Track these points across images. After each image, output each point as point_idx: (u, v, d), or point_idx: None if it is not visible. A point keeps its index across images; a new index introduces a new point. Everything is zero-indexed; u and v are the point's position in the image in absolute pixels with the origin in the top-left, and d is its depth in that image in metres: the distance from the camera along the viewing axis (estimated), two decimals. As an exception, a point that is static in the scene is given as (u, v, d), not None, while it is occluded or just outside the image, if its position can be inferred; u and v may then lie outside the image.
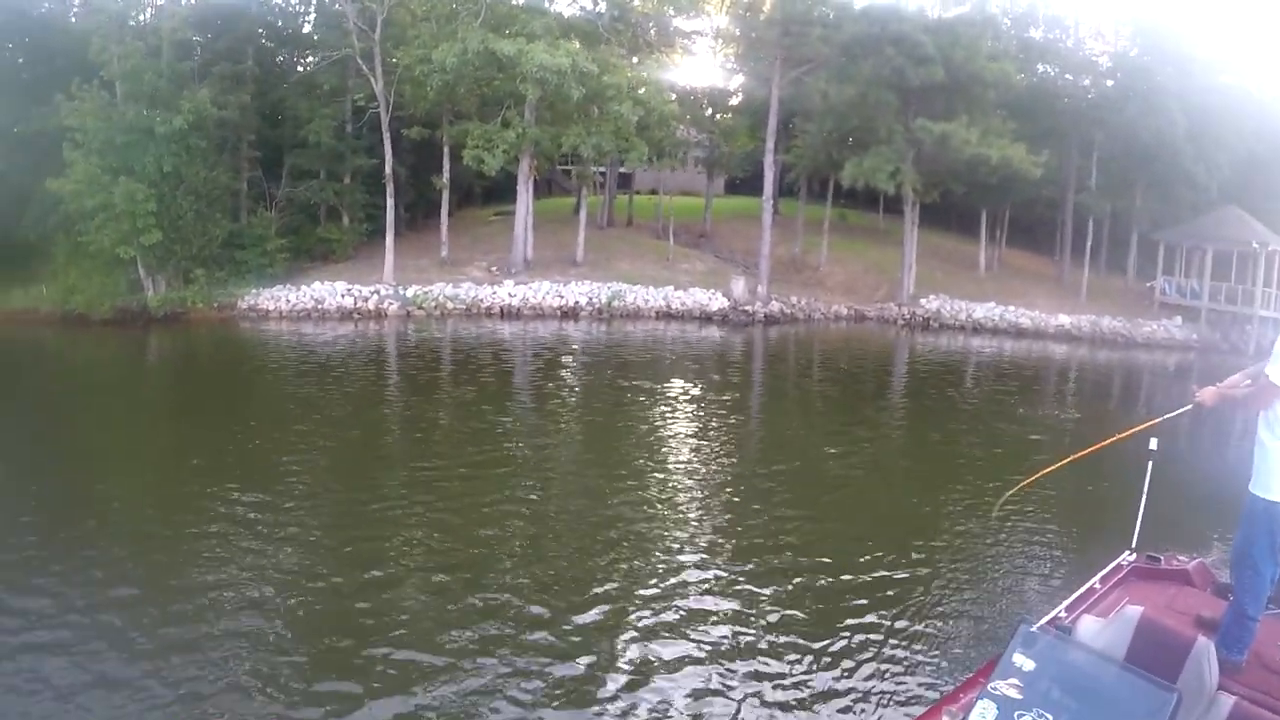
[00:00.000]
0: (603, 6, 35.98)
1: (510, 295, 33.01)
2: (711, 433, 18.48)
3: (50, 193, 29.33)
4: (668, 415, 19.59)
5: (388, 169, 34.24)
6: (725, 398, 22.35)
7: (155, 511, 11.99)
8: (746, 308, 34.44)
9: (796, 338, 33.01)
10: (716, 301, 34.62)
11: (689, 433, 18.30)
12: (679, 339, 30.18)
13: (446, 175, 36.39)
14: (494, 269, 35.50)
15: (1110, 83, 42.24)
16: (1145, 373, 31.25)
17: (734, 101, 49.02)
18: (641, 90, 34.59)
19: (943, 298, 37.89)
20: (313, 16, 40.91)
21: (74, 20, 34.77)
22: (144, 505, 12.31)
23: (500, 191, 49.02)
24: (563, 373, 24.24)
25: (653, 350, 28.03)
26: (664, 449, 16.67)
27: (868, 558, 10.87)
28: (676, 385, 22.97)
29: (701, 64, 48.15)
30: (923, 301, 37.51)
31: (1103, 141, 40.27)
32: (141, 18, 33.09)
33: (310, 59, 41.48)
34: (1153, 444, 6.98)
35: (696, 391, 22.61)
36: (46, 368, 24.53)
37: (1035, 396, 25.03)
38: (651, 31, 40.87)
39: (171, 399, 20.98)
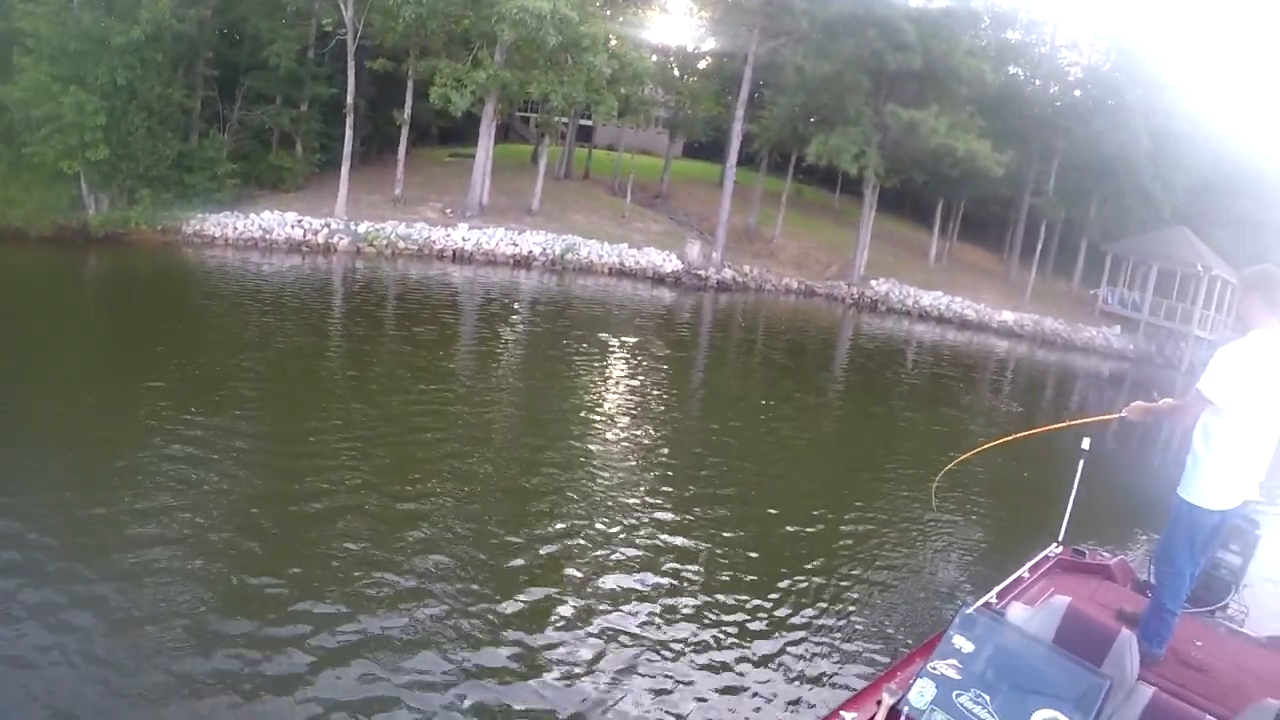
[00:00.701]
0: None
1: (464, 239, 32.42)
2: (657, 390, 18.53)
3: None
4: (616, 371, 19.64)
5: (350, 99, 33.20)
6: (674, 358, 22.44)
7: (88, 433, 11.46)
8: (700, 272, 34.41)
9: (747, 306, 33.13)
10: (670, 263, 34.49)
11: (634, 389, 18.31)
12: (632, 297, 30.01)
13: (408, 111, 35.56)
14: (448, 211, 34.85)
15: (1078, 93, 43.05)
16: (1080, 376, 32.22)
17: (702, 65, 48.76)
18: (615, 43, 34.03)
19: (892, 282, 38.40)
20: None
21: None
22: (75, 426, 11.67)
23: (457, 133, 48.29)
24: (514, 320, 23.96)
25: (605, 306, 27.85)
26: (607, 405, 16.60)
27: (805, 529, 10.96)
28: (627, 342, 22.85)
29: (674, 24, 47.85)
30: (873, 283, 38.01)
31: (1065, 149, 41.09)
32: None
33: None
34: (1085, 443, 7.26)
35: (646, 350, 22.56)
36: None
37: (976, 384, 25.96)
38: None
39: (109, 322, 20.16)
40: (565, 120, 42.48)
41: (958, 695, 4.19)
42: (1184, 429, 5.61)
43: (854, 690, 5.89)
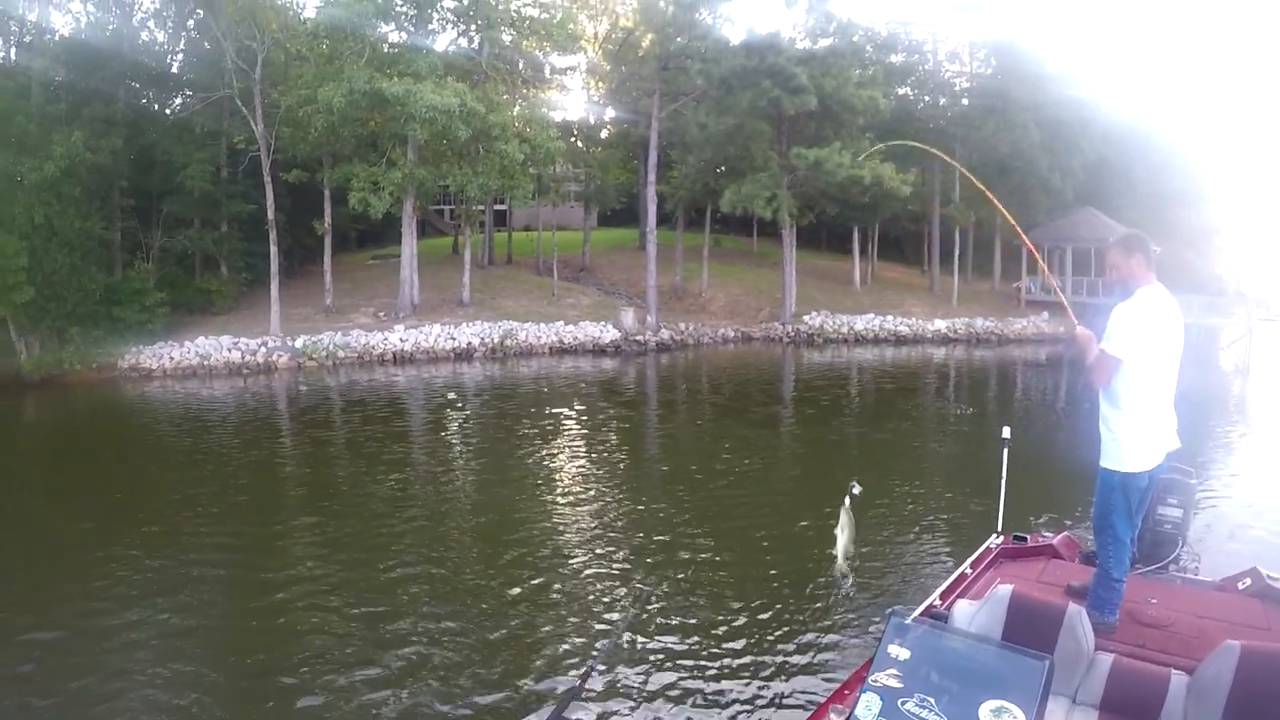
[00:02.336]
0: (483, 46, 36.00)
1: (401, 340, 32.65)
2: (617, 452, 18.92)
3: None
4: (574, 441, 19.89)
5: (270, 214, 33.29)
6: (628, 420, 22.93)
7: (46, 579, 11.20)
8: (638, 338, 35.02)
9: (689, 362, 33.63)
10: (608, 334, 35.03)
11: (595, 454, 18.56)
12: (576, 372, 30.31)
13: (328, 220, 35.79)
14: (381, 314, 35.12)
15: (966, 101, 44.56)
16: (1019, 365, 33.19)
17: (603, 134, 49.74)
18: (523, 127, 34.73)
19: (824, 314, 39.39)
20: (183, 57, 39.76)
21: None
22: (34, 573, 11.43)
23: (375, 235, 48.55)
24: (465, 411, 24.07)
25: (552, 384, 28.16)
26: (569, 473, 16.86)
27: (756, 558, 11.06)
28: (580, 414, 23.20)
29: (573, 99, 48.91)
30: (805, 319, 38.95)
31: (963, 156, 42.34)
32: (2, 55, 31.48)
33: (180, 101, 39.74)
34: (1005, 432, 7.51)
35: (600, 417, 22.96)
36: None
37: (923, 394, 26.90)
38: (527, 69, 41.19)
39: (55, 468, 19.43)
40: (482, 208, 43.00)
41: (903, 703, 4.16)
42: (1093, 398, 5.75)
43: (805, 713, 6.05)
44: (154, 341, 31.27)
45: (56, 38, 32.96)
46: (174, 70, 39.96)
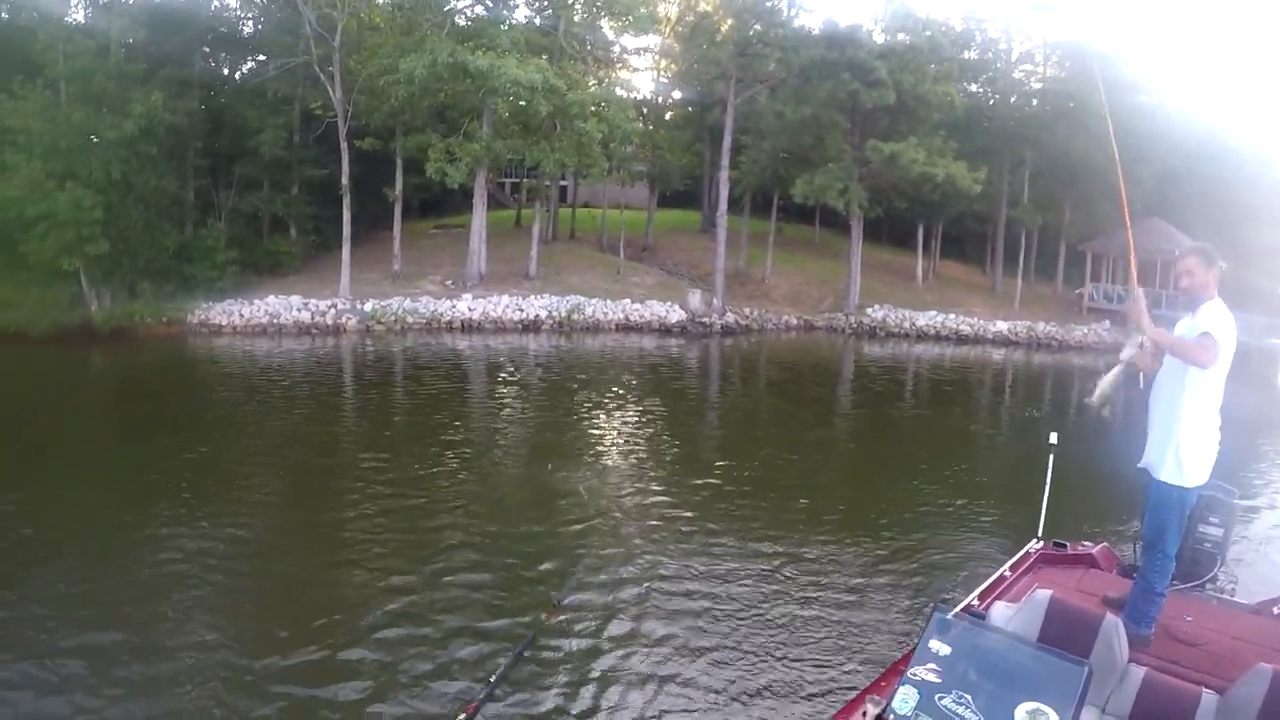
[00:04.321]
0: (559, 22, 36.00)
1: (470, 309, 32.88)
2: (685, 431, 19.24)
3: None
4: (643, 417, 20.16)
5: (345, 180, 33.55)
6: (697, 399, 23.29)
7: (106, 530, 11.44)
8: (703, 320, 35.03)
9: (754, 347, 33.71)
10: (674, 314, 35.08)
11: (661, 431, 18.89)
12: (643, 350, 30.54)
13: (399, 188, 36.07)
14: (449, 283, 35.31)
15: (1035, 103, 44.09)
16: (1077, 372, 32.68)
17: (668, 116, 49.63)
18: (599, 106, 34.79)
19: (887, 307, 39.15)
20: (254, 22, 39.95)
21: (4, 16, 33.35)
22: (94, 525, 11.60)
23: (436, 204, 48.63)
24: (535, 382, 24.30)
25: (619, 360, 28.40)
26: (637, 449, 17.08)
27: (803, 558, 10.96)
28: (649, 392, 23.41)
29: (641, 79, 48.80)
30: (868, 311, 38.74)
31: (1034, 159, 42.07)
32: (79, 16, 31.67)
33: (252, 65, 40.22)
34: (1053, 438, 7.53)
35: (668, 395, 23.17)
36: None
37: (978, 395, 26.93)
38: (600, 48, 41.19)
39: (128, 418, 19.89)
40: (549, 184, 43.06)
41: (940, 698, 4.25)
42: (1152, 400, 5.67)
43: (840, 704, 6.07)
44: (223, 299, 31.72)
45: (130, 1, 33.11)
46: (246, 35, 40.21)
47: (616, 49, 43.57)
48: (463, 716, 3.90)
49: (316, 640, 8.34)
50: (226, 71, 40.59)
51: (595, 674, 7.98)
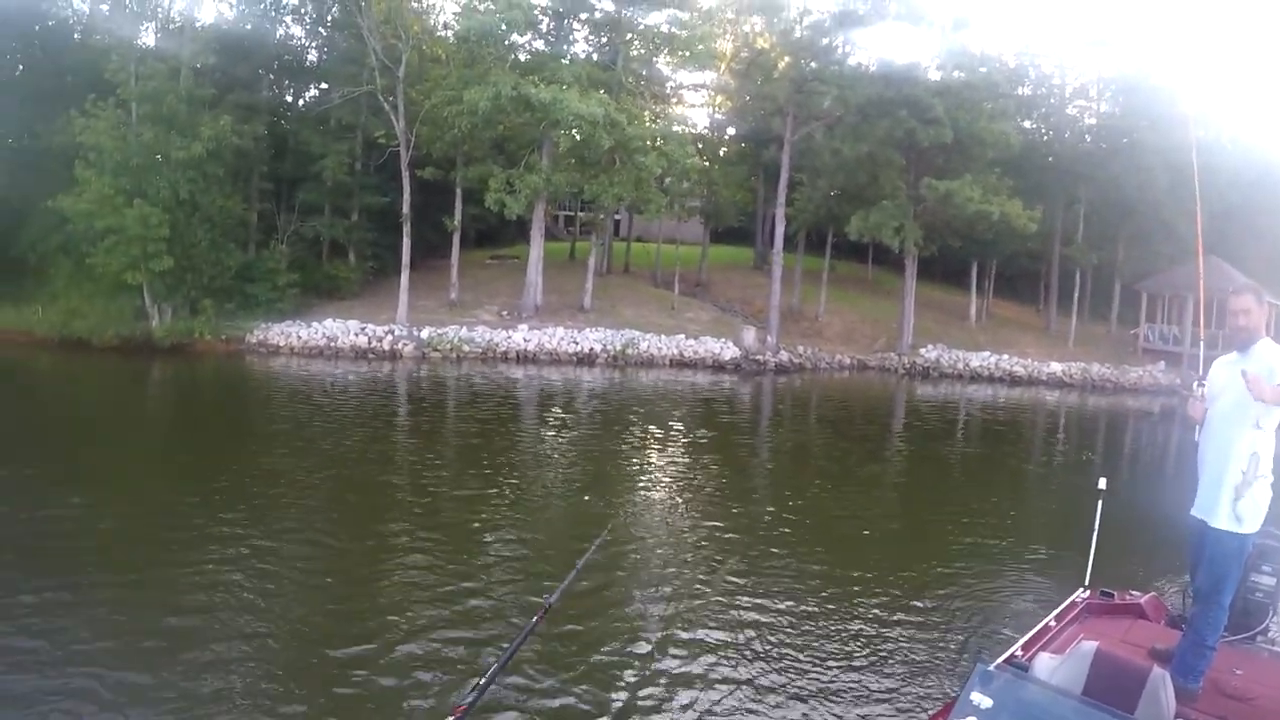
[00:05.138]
0: (618, 57, 36.46)
1: (525, 340, 33.11)
2: (739, 468, 19.10)
3: (51, 212, 28.67)
4: (696, 454, 20.02)
5: (405, 208, 34.25)
6: (750, 437, 23.14)
7: (149, 540, 11.54)
8: (757, 357, 34.99)
9: (807, 385, 33.58)
10: (729, 350, 35.04)
11: (715, 469, 18.66)
12: (696, 386, 30.45)
13: (458, 218, 36.66)
14: (504, 313, 35.68)
15: (1088, 139, 43.85)
16: (1130, 415, 32.34)
17: (722, 152, 49.85)
18: (659, 141, 35.06)
19: (940, 347, 38.96)
20: (318, 52, 41.08)
21: (77, 38, 34.32)
22: (137, 533, 11.81)
23: (491, 234, 49.20)
24: (588, 415, 24.39)
25: (673, 394, 28.38)
26: (691, 484, 16.96)
27: (845, 604, 10.66)
28: (702, 425, 23.38)
29: (696, 115, 49.19)
30: (922, 351, 38.55)
31: (1088, 196, 41.77)
32: (151, 40, 32.64)
33: (315, 93, 41.54)
34: (1102, 483, 7.27)
35: (723, 431, 23.06)
36: (51, 391, 24.07)
37: (1030, 438, 26.32)
38: (655, 84, 41.64)
39: (194, 427, 20.47)
40: (604, 217, 43.44)
41: None
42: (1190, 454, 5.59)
43: None
44: (282, 319, 32.41)
45: (201, 26, 34.11)
46: (311, 63, 41.36)
47: (672, 84, 44.00)
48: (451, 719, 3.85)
49: (359, 640, 8.64)
50: (290, 98, 41.55)
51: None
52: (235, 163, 32.76)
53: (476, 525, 12.57)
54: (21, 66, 34.21)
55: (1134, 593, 7.35)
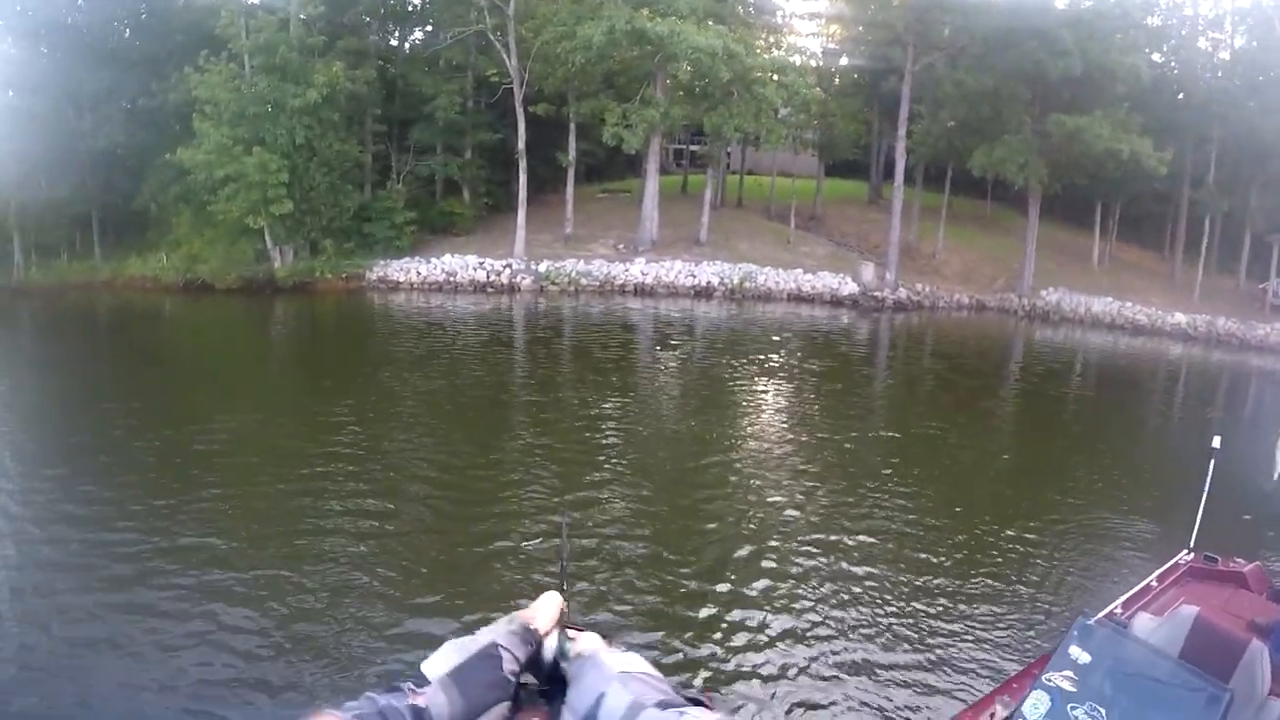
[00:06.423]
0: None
1: (643, 273, 33.19)
2: (854, 398, 19.66)
3: (170, 165, 29.82)
4: (816, 389, 20.31)
5: (520, 144, 34.33)
6: (870, 377, 23.21)
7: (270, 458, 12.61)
8: (876, 294, 34.50)
9: (925, 324, 33.09)
10: (846, 286, 34.63)
11: (839, 404, 18.92)
12: (815, 321, 30.23)
13: (572, 153, 36.56)
14: (620, 246, 35.67)
15: (1220, 74, 41.65)
16: (1254, 374, 30.77)
17: (836, 82, 48.68)
18: (777, 74, 34.39)
19: (1062, 290, 37.67)
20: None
21: (181, 1, 34.78)
22: (261, 452, 12.87)
23: (602, 169, 49.13)
24: (709, 346, 24.58)
25: (791, 328, 28.26)
26: (812, 419, 17.26)
27: (946, 540, 10.82)
28: (823, 365, 23.23)
29: (808, 45, 48.21)
30: (1043, 293, 37.30)
31: (1221, 137, 39.62)
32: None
33: (421, 35, 41.64)
34: (1215, 442, 7.06)
35: (842, 369, 23.13)
36: (189, 327, 25.76)
37: (1150, 391, 25.85)
38: (768, 14, 40.86)
39: (327, 357, 21.70)
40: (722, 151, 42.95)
41: (1072, 708, 4.09)
42: None
43: (970, 701, 5.90)
44: (400, 257, 32.95)
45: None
46: (415, 6, 41.49)
47: (783, 14, 43.12)
48: None
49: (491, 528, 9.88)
50: (395, 43, 41.77)
51: (715, 638, 8.17)
52: (349, 107, 33.41)
53: (585, 459, 12.99)
54: (129, 31, 34.98)
55: (1239, 560, 7.18)
